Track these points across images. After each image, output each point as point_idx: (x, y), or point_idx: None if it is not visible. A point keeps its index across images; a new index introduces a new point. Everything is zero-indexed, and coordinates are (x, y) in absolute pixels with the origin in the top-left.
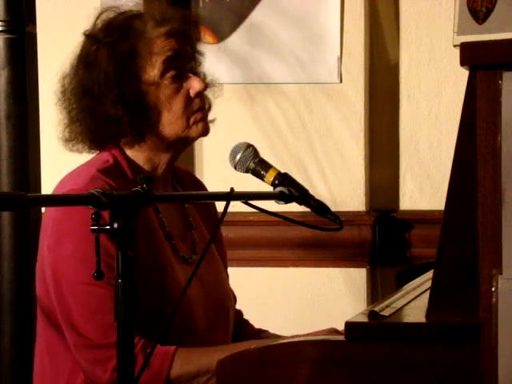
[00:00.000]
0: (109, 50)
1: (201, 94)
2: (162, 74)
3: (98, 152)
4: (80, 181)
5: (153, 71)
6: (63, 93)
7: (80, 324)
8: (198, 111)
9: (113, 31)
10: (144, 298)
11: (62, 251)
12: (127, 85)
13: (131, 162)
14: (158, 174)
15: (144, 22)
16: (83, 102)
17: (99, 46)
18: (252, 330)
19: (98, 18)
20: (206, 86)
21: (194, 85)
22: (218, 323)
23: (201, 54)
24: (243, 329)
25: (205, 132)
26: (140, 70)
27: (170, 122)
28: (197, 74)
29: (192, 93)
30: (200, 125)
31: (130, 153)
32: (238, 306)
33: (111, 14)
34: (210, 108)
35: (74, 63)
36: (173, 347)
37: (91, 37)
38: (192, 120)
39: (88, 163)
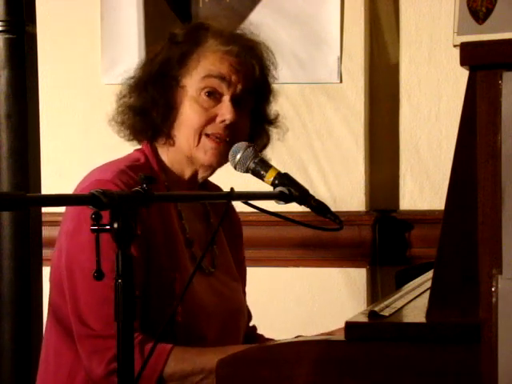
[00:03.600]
0: (169, 49)
1: (230, 126)
2: (198, 88)
3: (134, 148)
4: (108, 173)
5: (191, 81)
6: (128, 79)
7: (85, 314)
8: (214, 138)
9: (181, 35)
10: (155, 297)
11: (80, 238)
12: (162, 84)
13: (162, 164)
14: (184, 179)
15: (209, 34)
16: (132, 91)
17: (169, 43)
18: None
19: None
20: (236, 119)
21: (223, 112)
22: (227, 334)
23: (266, 90)
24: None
25: (212, 162)
26: (181, 75)
27: (185, 135)
28: (240, 105)
29: (218, 119)
30: (209, 152)
31: (161, 154)
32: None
33: (195, 22)
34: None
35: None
36: (169, 345)
37: (171, 34)
38: (203, 142)
39: (119, 159)
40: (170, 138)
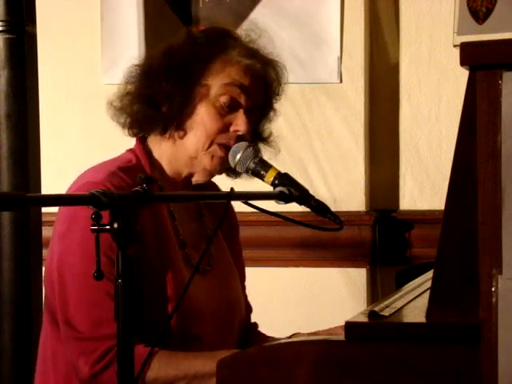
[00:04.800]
0: (193, 47)
1: (240, 137)
2: (219, 93)
3: (126, 149)
4: (99, 175)
5: (213, 83)
6: (134, 68)
7: (73, 316)
8: (225, 147)
9: (207, 36)
10: (149, 299)
11: (71, 240)
12: (183, 79)
13: (155, 164)
14: (178, 179)
15: (235, 44)
16: (142, 80)
17: (189, 41)
18: (259, 340)
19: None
20: (248, 132)
21: (239, 123)
22: (223, 333)
23: (270, 108)
24: (251, 341)
25: (215, 168)
26: (204, 75)
27: (197, 136)
28: (251, 120)
29: (232, 128)
30: (215, 159)
31: (157, 152)
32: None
33: (217, 24)
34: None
35: (158, 49)
36: (154, 349)
37: (190, 33)
38: (213, 147)
39: (110, 160)
40: (180, 130)
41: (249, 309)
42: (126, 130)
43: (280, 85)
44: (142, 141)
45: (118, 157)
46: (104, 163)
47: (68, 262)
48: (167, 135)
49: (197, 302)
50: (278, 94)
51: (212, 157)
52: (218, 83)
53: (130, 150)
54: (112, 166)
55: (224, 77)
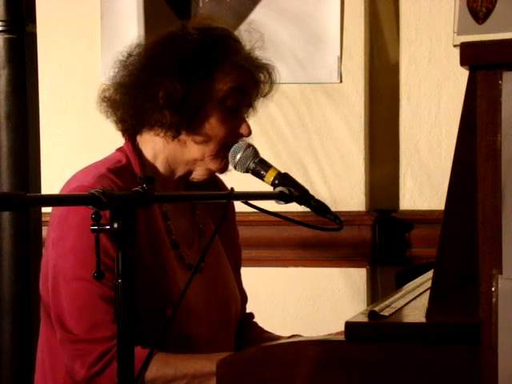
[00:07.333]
0: (196, 46)
1: (242, 139)
2: (225, 96)
3: (122, 144)
4: (88, 178)
5: (219, 86)
6: (127, 57)
7: (67, 319)
8: (230, 149)
9: (208, 35)
10: (143, 301)
11: (64, 246)
12: (197, 82)
13: (146, 163)
14: (172, 179)
15: (238, 47)
16: (141, 72)
17: (189, 38)
18: (254, 334)
19: (196, 19)
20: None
21: (243, 127)
22: (218, 330)
23: (255, 109)
24: (247, 332)
25: (224, 168)
26: (213, 79)
27: (204, 140)
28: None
29: (238, 132)
30: (225, 160)
31: (149, 151)
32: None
33: (213, 23)
34: None
35: (154, 40)
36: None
37: (184, 28)
38: (222, 153)
39: (101, 161)
40: (192, 133)
41: (244, 299)
42: (116, 124)
43: (272, 88)
44: (132, 139)
45: (108, 157)
46: (94, 165)
47: (61, 266)
48: (172, 137)
49: (191, 301)
50: (265, 97)
51: (222, 160)
52: (225, 87)
53: (120, 149)
54: (102, 167)
55: (230, 80)
